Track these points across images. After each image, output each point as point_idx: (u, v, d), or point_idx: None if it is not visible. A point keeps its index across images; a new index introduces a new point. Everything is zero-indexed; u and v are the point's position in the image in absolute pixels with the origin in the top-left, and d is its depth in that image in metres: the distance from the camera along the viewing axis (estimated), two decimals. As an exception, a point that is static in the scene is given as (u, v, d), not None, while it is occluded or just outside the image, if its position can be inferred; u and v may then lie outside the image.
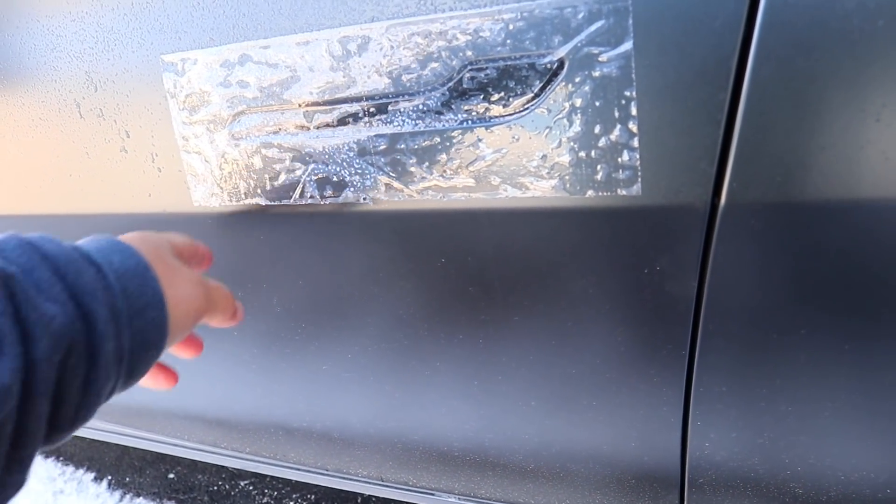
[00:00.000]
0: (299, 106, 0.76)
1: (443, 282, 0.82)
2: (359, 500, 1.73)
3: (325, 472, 1.31)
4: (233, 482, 1.87)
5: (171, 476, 1.95)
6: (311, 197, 0.80)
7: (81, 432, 1.70)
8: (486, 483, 1.10)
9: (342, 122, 0.75)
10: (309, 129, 0.77)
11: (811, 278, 0.66)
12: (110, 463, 2.05)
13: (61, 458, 2.11)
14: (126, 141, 0.88)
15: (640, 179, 0.65)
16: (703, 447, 0.86)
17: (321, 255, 0.86)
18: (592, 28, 0.62)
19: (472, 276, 0.80)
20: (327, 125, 0.76)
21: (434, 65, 0.69)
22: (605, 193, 0.67)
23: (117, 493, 1.93)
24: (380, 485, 1.30)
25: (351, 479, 1.32)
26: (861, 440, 0.77)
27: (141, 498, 1.89)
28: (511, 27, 0.64)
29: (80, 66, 0.87)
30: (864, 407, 0.75)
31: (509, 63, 0.66)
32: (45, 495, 1.96)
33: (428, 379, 0.94)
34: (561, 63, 0.64)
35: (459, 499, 1.23)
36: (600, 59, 0.62)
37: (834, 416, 0.76)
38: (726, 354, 0.76)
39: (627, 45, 0.61)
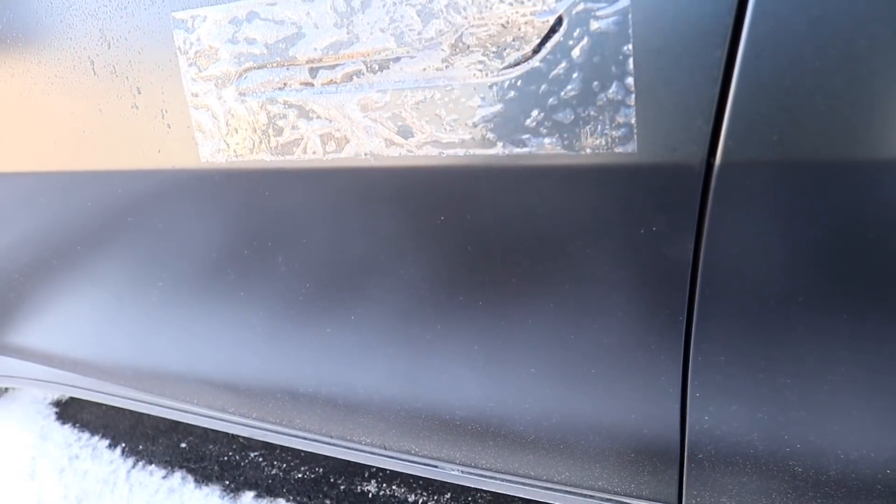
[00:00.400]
0: (304, 62, 0.77)
1: (442, 240, 0.82)
2: (365, 474, 1.74)
3: (331, 440, 1.32)
4: (243, 453, 1.89)
5: (183, 445, 1.97)
6: (314, 153, 0.81)
7: (98, 398, 1.73)
8: (487, 453, 1.11)
9: (346, 78, 0.76)
10: (313, 85, 0.78)
11: (809, 241, 0.66)
12: (124, 431, 2.08)
13: (77, 425, 2.14)
14: (137, 97, 0.90)
15: (636, 137, 0.65)
16: (702, 420, 0.86)
17: (324, 212, 0.87)
18: (592, -16, 0.62)
19: (470, 234, 0.80)
20: (331, 81, 0.77)
21: (436, 21, 0.69)
22: (601, 151, 0.67)
23: (130, 460, 1.95)
24: (383, 455, 1.30)
25: (355, 448, 1.33)
26: (862, 417, 0.76)
27: (153, 465, 1.92)
28: (512, -18, 0.65)
29: (94, 24, 0.89)
30: (865, 381, 0.74)
31: (508, 20, 0.66)
32: (60, 460, 1.99)
33: (430, 343, 0.95)
34: (559, 19, 0.64)
35: (461, 471, 1.24)
36: (598, 14, 0.63)
37: (834, 391, 0.75)
38: (724, 322, 0.75)
39: (625, 2, 0.61)
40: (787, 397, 0.78)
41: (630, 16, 0.61)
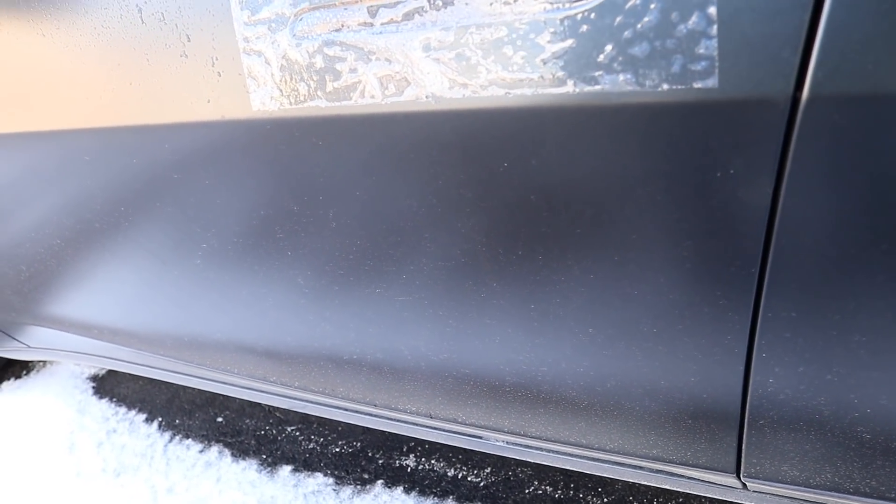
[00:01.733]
0: (363, 1, 0.75)
1: (504, 189, 0.79)
2: (403, 448, 1.72)
3: (373, 410, 1.30)
4: (280, 427, 1.89)
5: (220, 420, 1.97)
6: (373, 96, 0.78)
7: (136, 370, 1.73)
8: (536, 421, 1.08)
9: (407, 16, 0.73)
10: (373, 25, 0.75)
11: (897, 184, 0.62)
12: (161, 405, 2.08)
13: (115, 399, 2.15)
14: (187, 45, 0.88)
15: (717, 71, 0.62)
16: (766, 384, 0.82)
17: (379, 162, 0.85)
18: None
19: (534, 182, 0.77)
20: (391, 20, 0.74)
21: (504, -48, 0.66)
22: (679, 87, 0.64)
23: (167, 435, 1.96)
24: (426, 425, 1.28)
25: (398, 419, 1.31)
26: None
27: (189, 440, 1.92)
28: None
29: (143, -31, 0.87)
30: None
31: (583, -52, 0.63)
32: (98, 434, 2.00)
33: (483, 301, 0.92)
34: (638, -55, 0.61)
35: (507, 441, 1.21)
36: (680, -62, 0.59)
37: (912, 349, 0.72)
38: (799, 273, 0.72)
39: (710, -77, 0.58)
40: (861, 356, 0.75)
41: (715, -62, 0.58)
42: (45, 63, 1.03)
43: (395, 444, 1.74)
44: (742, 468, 0.95)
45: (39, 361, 2.40)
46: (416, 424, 1.30)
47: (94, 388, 2.24)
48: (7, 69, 1.08)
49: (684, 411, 0.91)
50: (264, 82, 0.84)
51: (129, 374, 2.22)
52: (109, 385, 2.23)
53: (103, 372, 2.31)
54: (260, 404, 1.92)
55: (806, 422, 0.84)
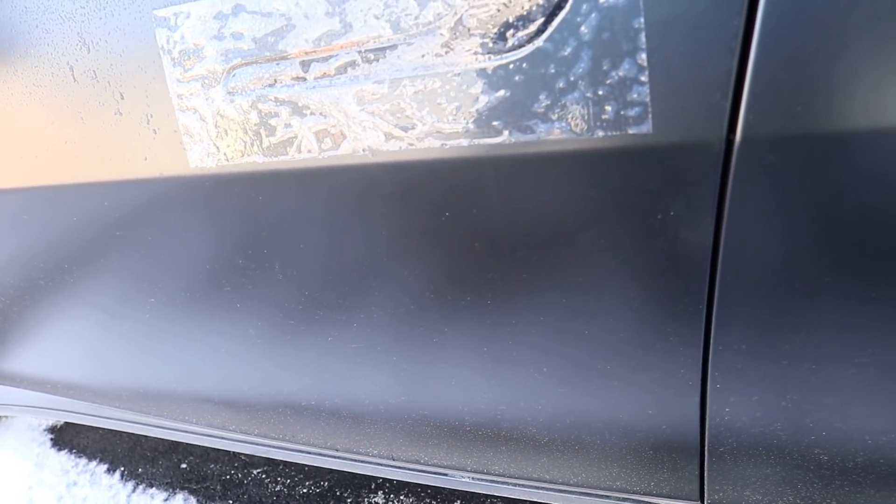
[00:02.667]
0: (295, 56, 0.74)
1: (447, 238, 0.79)
2: (371, 486, 1.70)
3: (336, 453, 1.29)
4: (245, 471, 1.85)
5: (184, 466, 1.93)
6: (310, 151, 0.77)
7: (94, 422, 1.69)
8: (499, 458, 1.08)
9: (339, 70, 0.72)
10: (306, 79, 0.75)
11: (836, 218, 0.63)
12: (122, 454, 2.04)
13: (74, 451, 2.10)
14: (120, 103, 0.86)
15: (650, 116, 0.62)
16: (723, 412, 0.83)
17: (321, 215, 0.84)
18: (597, -44, 0.59)
19: (477, 230, 0.77)
20: (325, 74, 0.73)
21: (433, 4, 0.66)
22: (614, 133, 0.64)
23: (130, 484, 1.91)
24: (391, 465, 1.27)
25: (362, 461, 1.30)
26: (890, 399, 0.74)
27: (154, 488, 1.88)
28: (512, -41, 0.62)
29: (72, 27, 0.85)
30: (893, 363, 0.71)
31: (511, -1, 0.63)
32: (58, 488, 1.95)
33: (436, 346, 0.92)
34: (565, -5, 0.61)
35: (472, 478, 1.21)
36: (606, -13, 0.59)
37: (861, 374, 0.73)
38: (746, 308, 0.72)
39: (634, -28, 0.58)
40: (812, 383, 0.76)
41: (640, -13, 0.58)
42: (-23, 123, 1.00)
43: (363, 482, 1.72)
44: (706, 495, 0.95)
45: (-5, 415, 2.34)
46: (381, 465, 1.29)
47: (52, 440, 2.18)
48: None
49: (645, 443, 0.92)
50: (200, 139, 0.83)
51: (89, 425, 2.18)
52: (68, 436, 2.18)
53: (61, 423, 2.25)
54: (224, 448, 1.89)
55: (765, 447, 0.85)
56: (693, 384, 0.82)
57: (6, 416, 2.31)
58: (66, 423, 2.24)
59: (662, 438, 0.90)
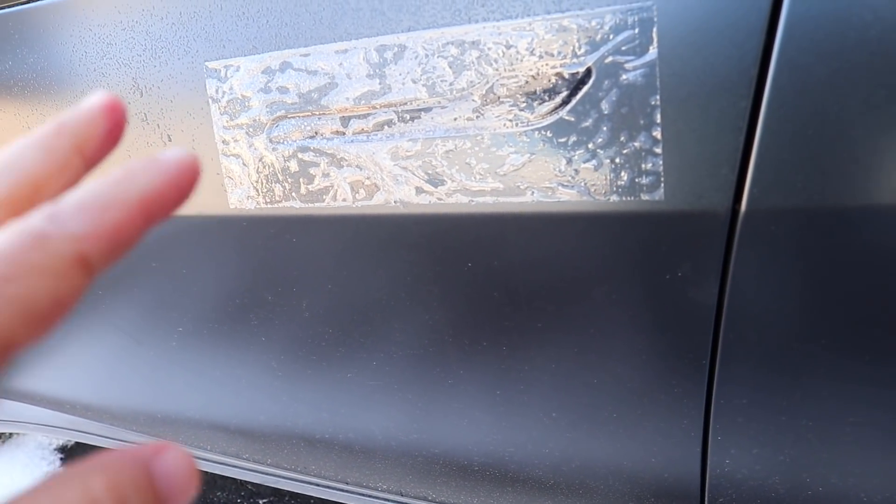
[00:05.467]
0: (336, 112, 0.80)
1: (468, 287, 0.84)
2: (377, 521, 1.72)
3: (345, 487, 1.32)
4: (251, 500, 1.88)
5: (191, 492, 1.95)
6: (344, 200, 0.83)
7: (106, 443, 1.72)
8: (504, 499, 1.10)
9: (377, 127, 0.78)
10: (345, 134, 0.80)
11: (833, 286, 0.67)
12: (131, 478, 2.06)
13: (83, 472, 2.12)
14: (168, 145, 0.92)
15: (662, 185, 0.67)
16: (723, 464, 0.86)
17: (351, 259, 0.89)
18: (619, 38, 0.64)
19: (497, 281, 0.81)
20: (363, 131, 0.79)
21: (467, 73, 0.72)
22: (628, 198, 0.69)
23: (137, 508, 1.93)
24: (399, 501, 1.30)
25: (370, 495, 1.32)
26: (885, 458, 0.77)
27: (160, 513, 1.90)
28: (541, 37, 0.67)
29: (127, 73, 0.91)
30: (888, 423, 0.74)
31: (539, 71, 0.69)
32: (65, 509, 1.97)
33: (451, 388, 0.96)
34: (588, 71, 0.67)
35: (477, 517, 1.23)
36: (626, 67, 0.65)
37: (856, 433, 0.76)
38: (747, 364, 0.76)
39: (652, 55, 0.64)
40: (810, 440, 0.79)
41: (657, 68, 0.64)
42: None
43: (367, 516, 1.74)
44: (704, 545, 0.97)
45: (5, 433, 2.37)
46: (388, 500, 1.32)
47: (62, 459, 2.21)
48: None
49: (647, 490, 0.95)
50: (241, 183, 0.88)
51: (99, 446, 2.20)
52: (78, 456, 2.20)
53: (71, 443, 2.28)
54: (232, 476, 1.91)
55: (763, 499, 0.87)
56: (695, 435, 0.85)
57: (18, 434, 2.34)
58: (76, 443, 2.27)
59: (664, 486, 0.93)
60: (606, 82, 0.66)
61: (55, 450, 2.26)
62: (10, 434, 2.37)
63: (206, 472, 1.97)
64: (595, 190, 0.70)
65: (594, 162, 0.69)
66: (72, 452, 2.23)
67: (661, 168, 0.67)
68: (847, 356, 0.71)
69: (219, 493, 1.92)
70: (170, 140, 0.91)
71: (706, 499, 0.91)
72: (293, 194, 0.86)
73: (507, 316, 0.84)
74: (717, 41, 0.61)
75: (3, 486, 2.07)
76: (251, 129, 0.85)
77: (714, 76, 0.62)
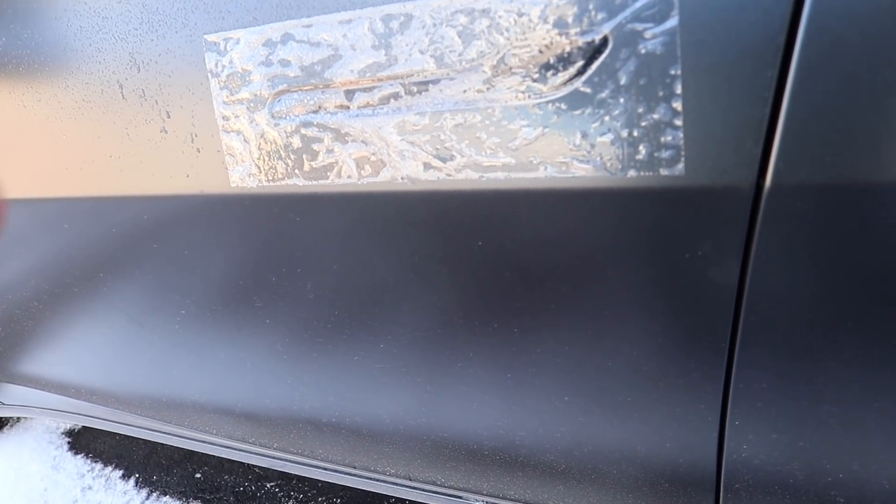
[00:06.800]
0: (340, 85, 0.77)
1: (479, 266, 0.81)
2: (384, 505, 1.71)
3: (353, 471, 1.30)
4: (259, 483, 1.87)
5: (198, 476, 1.95)
6: (349, 176, 0.80)
7: (112, 427, 1.71)
8: (515, 484, 1.09)
9: (383, 100, 0.75)
10: (349, 108, 0.77)
11: (859, 266, 0.64)
12: (138, 461, 2.06)
13: (90, 455, 2.12)
14: (167, 121, 0.89)
15: (683, 159, 0.64)
16: (740, 449, 0.84)
17: (357, 238, 0.86)
18: (638, 4, 0.61)
19: (508, 260, 0.79)
20: (368, 104, 0.76)
21: (477, 42, 0.69)
22: (647, 173, 0.66)
23: (144, 491, 1.93)
24: (407, 486, 1.28)
25: (378, 480, 1.31)
26: (908, 444, 0.75)
27: (167, 497, 1.89)
28: (555, 4, 0.64)
29: (124, 48, 0.89)
30: (912, 408, 0.72)
31: (552, 41, 0.65)
32: (73, 491, 1.97)
33: (460, 371, 0.93)
34: (605, 40, 0.63)
35: (487, 502, 1.22)
36: (645, 35, 0.62)
37: (880, 419, 0.74)
38: (768, 348, 0.74)
39: (673, 22, 0.60)
40: (831, 425, 0.77)
41: (678, 36, 0.60)
42: (28, 134, 1.04)
43: (376, 500, 1.73)
44: (719, 531, 0.96)
45: (13, 417, 2.37)
46: (396, 484, 1.30)
47: (69, 443, 2.20)
48: (-13, 137, 1.09)
49: (661, 475, 0.93)
50: (242, 160, 0.85)
51: (106, 430, 2.20)
52: (85, 440, 2.20)
53: (79, 427, 2.28)
54: (239, 460, 1.91)
55: (781, 486, 0.85)
56: (712, 420, 0.83)
57: (26, 418, 2.34)
58: (83, 427, 2.27)
59: (679, 472, 0.91)
60: (624, 51, 0.63)
61: (62, 434, 2.26)
62: (18, 418, 2.37)
63: (214, 457, 1.97)
64: (611, 165, 0.67)
65: (610, 135, 0.66)
66: (79, 437, 2.23)
67: (681, 141, 0.64)
68: (873, 340, 0.69)
69: (226, 477, 1.91)
70: (168, 116, 0.89)
71: (722, 484, 0.89)
72: (296, 171, 0.83)
73: (519, 296, 0.81)
74: (741, 7, 0.58)
75: (12, 470, 2.07)
76: (252, 104, 0.82)
77: (738, 44, 0.59)
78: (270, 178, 0.85)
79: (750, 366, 0.76)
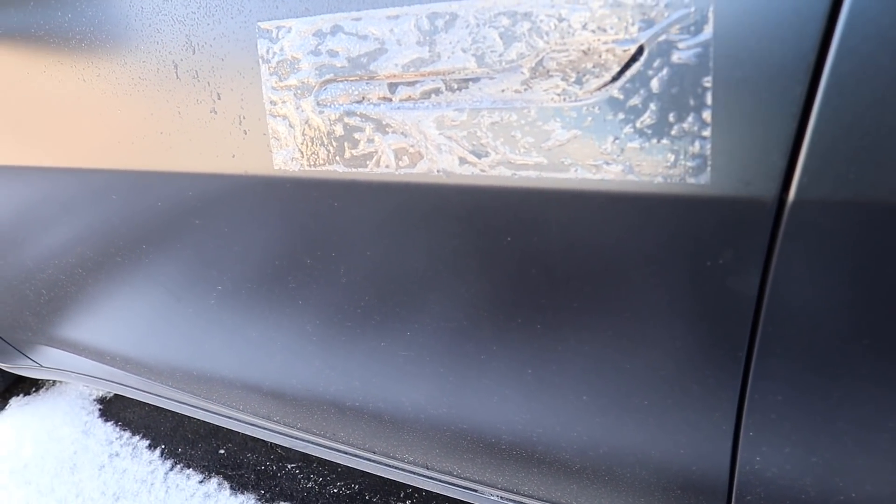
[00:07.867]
0: (384, 77, 0.79)
1: (507, 261, 0.83)
2: (401, 494, 1.74)
3: (372, 456, 1.33)
4: (280, 464, 1.91)
5: (222, 452, 1.99)
6: (387, 166, 0.83)
7: (143, 397, 1.76)
8: (530, 480, 1.10)
9: (424, 95, 0.78)
10: (391, 100, 0.80)
11: (879, 285, 0.65)
12: (165, 433, 2.11)
13: (120, 423, 2.18)
14: (217, 103, 0.93)
15: (709, 169, 0.66)
16: (753, 461, 0.85)
17: (391, 226, 0.89)
18: (674, 15, 0.63)
19: (535, 257, 0.81)
20: (409, 98, 0.79)
21: (517, 44, 0.71)
22: (673, 181, 0.68)
23: (168, 462, 1.98)
24: (423, 475, 1.31)
25: (396, 466, 1.34)
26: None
27: (190, 469, 1.94)
28: (595, 11, 0.66)
29: (181, 30, 0.92)
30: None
31: (590, 46, 0.67)
32: (101, 456, 2.03)
33: (483, 363, 0.96)
34: (640, 49, 0.65)
35: (501, 496, 1.23)
36: (679, 46, 0.63)
37: (894, 440, 0.74)
38: (784, 360, 0.74)
39: (707, 34, 0.62)
40: (845, 443, 0.77)
41: (712, 49, 0.62)
42: (85, 107, 1.08)
43: (393, 489, 1.76)
44: (728, 541, 0.96)
45: (49, 380, 2.44)
46: (414, 473, 1.33)
47: (100, 410, 2.27)
48: (50, 111, 1.14)
49: (674, 482, 0.94)
50: (287, 144, 0.89)
51: (136, 400, 2.26)
52: (116, 409, 2.26)
53: (111, 395, 2.34)
54: (262, 440, 1.95)
55: (792, 500, 0.86)
56: (727, 429, 0.84)
57: (62, 382, 2.41)
58: (115, 395, 2.33)
59: (692, 479, 0.92)
60: (658, 61, 0.65)
61: (94, 400, 2.32)
62: (54, 382, 2.44)
63: (238, 434, 2.01)
64: (640, 170, 0.69)
65: (640, 141, 0.68)
66: (110, 405, 2.29)
67: (708, 151, 0.65)
68: (890, 359, 0.69)
69: (249, 455, 1.96)
70: (219, 98, 0.92)
71: (734, 495, 0.90)
72: (337, 158, 0.86)
73: (544, 294, 0.83)
74: (775, 24, 0.60)
75: (45, 432, 2.13)
76: (299, 91, 0.85)
77: (770, 60, 0.61)
78: (312, 163, 0.88)
79: (766, 377, 0.77)
